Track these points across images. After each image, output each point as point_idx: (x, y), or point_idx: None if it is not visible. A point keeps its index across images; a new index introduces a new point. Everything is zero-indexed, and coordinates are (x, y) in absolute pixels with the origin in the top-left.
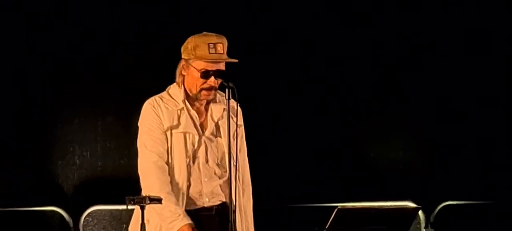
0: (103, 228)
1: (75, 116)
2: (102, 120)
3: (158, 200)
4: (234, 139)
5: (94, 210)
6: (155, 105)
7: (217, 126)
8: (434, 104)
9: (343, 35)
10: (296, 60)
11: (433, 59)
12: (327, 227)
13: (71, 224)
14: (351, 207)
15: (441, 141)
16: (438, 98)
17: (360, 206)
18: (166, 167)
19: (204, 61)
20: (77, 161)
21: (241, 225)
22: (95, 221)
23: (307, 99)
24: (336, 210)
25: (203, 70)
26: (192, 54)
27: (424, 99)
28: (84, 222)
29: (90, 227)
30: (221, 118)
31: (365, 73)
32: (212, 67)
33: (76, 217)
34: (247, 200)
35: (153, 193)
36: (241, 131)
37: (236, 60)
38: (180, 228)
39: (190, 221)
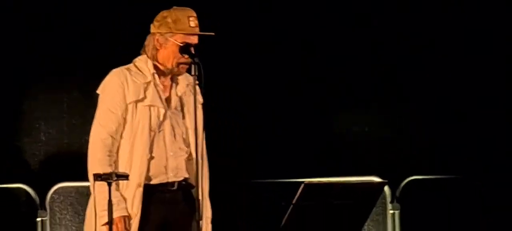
0: (70, 205)
1: (41, 91)
2: (68, 96)
3: (125, 177)
4: (196, 116)
5: (60, 187)
6: (122, 77)
7: (181, 101)
8: (399, 79)
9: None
10: (260, 37)
11: (399, 36)
12: (294, 202)
13: (38, 201)
14: (318, 182)
15: (405, 115)
16: (404, 73)
17: (326, 181)
18: (113, 145)
19: (185, 35)
20: (43, 138)
21: (204, 199)
22: (62, 197)
23: (273, 74)
24: (303, 185)
25: (184, 43)
26: (173, 28)
27: (390, 75)
28: (50, 199)
29: (56, 204)
30: (184, 94)
31: (329, 48)
32: (192, 40)
33: (42, 194)
34: (206, 175)
35: (94, 170)
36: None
37: (213, 33)
38: (113, 218)
39: (125, 213)
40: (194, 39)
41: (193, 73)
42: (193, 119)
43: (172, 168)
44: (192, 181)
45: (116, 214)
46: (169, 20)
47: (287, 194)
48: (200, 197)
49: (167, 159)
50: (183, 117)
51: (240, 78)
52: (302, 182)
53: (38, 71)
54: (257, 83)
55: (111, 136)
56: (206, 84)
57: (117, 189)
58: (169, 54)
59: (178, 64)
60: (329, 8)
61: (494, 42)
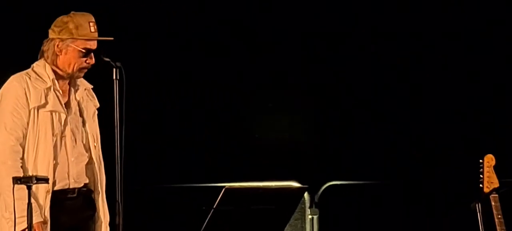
0: None
1: None
2: None
3: (45, 180)
4: (94, 121)
5: None
6: (23, 83)
7: (79, 106)
8: (320, 84)
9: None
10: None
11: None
12: (215, 206)
13: None
14: (238, 187)
15: (325, 120)
16: (324, 78)
17: (247, 186)
18: (21, 151)
19: (86, 40)
20: None
21: (103, 204)
22: None
23: (194, 79)
24: (223, 189)
25: (85, 49)
26: (74, 33)
27: (311, 78)
28: None
29: None
30: (82, 99)
31: (249, 52)
32: (92, 46)
33: None
34: (103, 179)
35: (6, 179)
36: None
37: (112, 38)
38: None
39: (41, 219)
40: (94, 45)
41: (114, 77)
42: (91, 124)
43: (73, 174)
44: (91, 186)
45: (34, 220)
46: (70, 26)
47: (207, 198)
48: (99, 201)
49: (68, 165)
50: (83, 122)
51: (162, 80)
52: (223, 186)
53: None
54: (178, 86)
55: (19, 143)
56: (127, 87)
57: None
58: (70, 60)
59: (79, 69)
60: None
61: (426, 42)
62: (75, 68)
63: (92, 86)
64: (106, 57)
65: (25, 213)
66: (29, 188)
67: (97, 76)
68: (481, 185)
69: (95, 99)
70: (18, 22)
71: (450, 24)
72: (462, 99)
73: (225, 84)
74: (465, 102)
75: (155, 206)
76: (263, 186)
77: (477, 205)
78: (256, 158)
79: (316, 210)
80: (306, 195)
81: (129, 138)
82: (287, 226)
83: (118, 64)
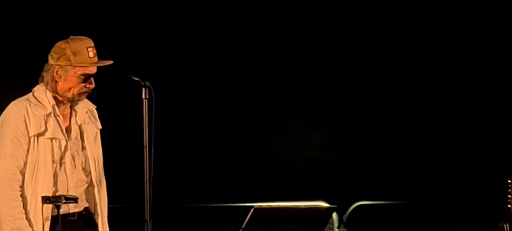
0: None
1: None
2: None
3: (74, 200)
4: (95, 143)
5: None
6: (23, 110)
7: (80, 130)
8: (348, 104)
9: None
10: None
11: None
12: (243, 226)
13: None
14: (267, 207)
15: (353, 140)
16: (352, 97)
17: (276, 206)
18: (21, 179)
19: (85, 66)
20: None
21: (103, 226)
22: None
23: (218, 98)
24: (252, 209)
25: (84, 75)
26: (73, 60)
27: (339, 98)
28: None
29: None
30: (84, 122)
31: (278, 71)
32: (91, 71)
33: None
34: (105, 200)
35: (5, 208)
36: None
37: (111, 62)
38: None
39: None
40: (93, 70)
41: (143, 96)
42: (93, 147)
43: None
44: (92, 209)
45: None
46: (68, 52)
47: (236, 218)
48: (99, 224)
49: (68, 190)
50: (83, 146)
51: (190, 100)
52: (252, 206)
53: None
54: (206, 105)
55: (19, 170)
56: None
57: (30, 225)
58: (69, 85)
59: (79, 94)
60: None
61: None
62: (74, 93)
63: (95, 107)
64: (136, 76)
65: None
66: (58, 207)
67: (124, 95)
68: (509, 205)
69: (97, 121)
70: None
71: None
72: (492, 119)
73: (253, 103)
74: (496, 122)
75: (183, 226)
76: (291, 206)
77: (505, 226)
78: (284, 177)
79: (345, 230)
80: (334, 215)
81: (157, 156)
82: None
83: (147, 83)
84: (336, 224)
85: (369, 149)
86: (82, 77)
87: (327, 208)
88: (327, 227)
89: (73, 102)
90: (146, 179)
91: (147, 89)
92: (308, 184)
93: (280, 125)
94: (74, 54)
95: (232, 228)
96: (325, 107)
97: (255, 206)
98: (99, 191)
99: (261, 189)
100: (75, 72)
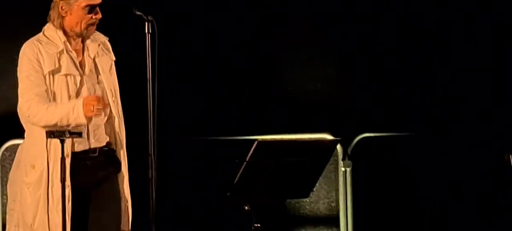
0: None
1: None
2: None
3: (78, 134)
4: (111, 74)
5: (12, 144)
6: (35, 49)
7: (94, 63)
8: (352, 36)
9: None
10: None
11: None
12: (247, 159)
13: None
14: (271, 139)
15: (357, 72)
16: (356, 29)
17: (280, 138)
18: (47, 97)
19: None
20: None
21: (124, 158)
22: (14, 155)
23: (227, 32)
24: (256, 142)
25: (88, 6)
26: None
27: (343, 30)
28: (2, 156)
29: (8, 162)
30: (97, 55)
31: (280, 3)
32: (95, 1)
33: None
34: (123, 132)
35: (39, 115)
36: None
37: None
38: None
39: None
40: (97, 0)
41: (146, 30)
42: (108, 78)
43: (93, 134)
44: (113, 141)
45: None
46: None
47: (240, 151)
48: (121, 156)
49: (87, 125)
50: (98, 79)
51: (195, 34)
52: (255, 139)
53: None
54: (212, 39)
55: (42, 96)
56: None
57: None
58: (76, 19)
59: (87, 26)
60: None
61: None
62: (82, 26)
63: (107, 39)
64: (138, 10)
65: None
66: (62, 142)
67: (128, 30)
68: None
69: (111, 53)
70: None
71: None
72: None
73: (258, 37)
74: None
75: (187, 159)
76: (296, 138)
77: (510, 157)
78: (289, 110)
79: (349, 162)
80: (339, 147)
81: (161, 91)
82: (320, 178)
83: (150, 17)
84: (340, 156)
85: (373, 80)
86: (86, 8)
87: (331, 141)
88: (332, 160)
89: (83, 36)
90: (150, 113)
91: (150, 24)
92: (313, 117)
93: (284, 58)
94: None
95: (236, 161)
96: (329, 39)
97: (259, 139)
98: (119, 123)
99: (266, 122)
100: (79, 5)
